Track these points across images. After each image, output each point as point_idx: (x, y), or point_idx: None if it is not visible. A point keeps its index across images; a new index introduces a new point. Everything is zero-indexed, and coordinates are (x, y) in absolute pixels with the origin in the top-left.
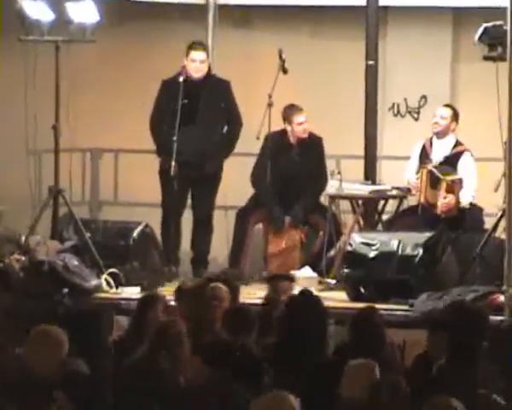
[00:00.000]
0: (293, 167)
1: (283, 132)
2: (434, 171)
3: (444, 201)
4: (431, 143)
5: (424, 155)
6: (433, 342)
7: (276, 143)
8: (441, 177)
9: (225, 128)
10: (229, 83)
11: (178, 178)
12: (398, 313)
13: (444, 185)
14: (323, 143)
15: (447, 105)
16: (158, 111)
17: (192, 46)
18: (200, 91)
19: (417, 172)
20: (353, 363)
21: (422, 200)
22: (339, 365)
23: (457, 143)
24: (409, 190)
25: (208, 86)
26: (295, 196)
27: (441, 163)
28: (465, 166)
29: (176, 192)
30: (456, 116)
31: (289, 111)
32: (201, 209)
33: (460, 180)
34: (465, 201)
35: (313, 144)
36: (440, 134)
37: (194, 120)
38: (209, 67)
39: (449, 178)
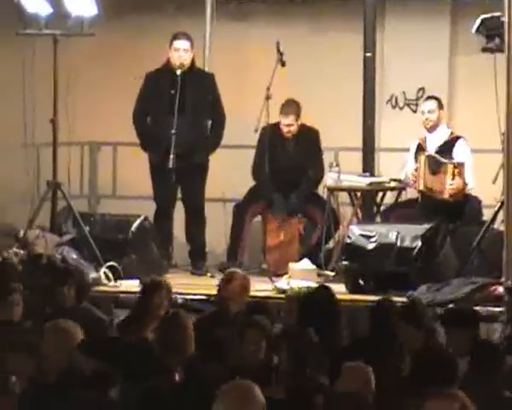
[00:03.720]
0: (289, 159)
1: (278, 124)
2: (436, 156)
3: (451, 183)
4: (425, 140)
5: (420, 151)
6: (452, 339)
7: (272, 136)
8: (446, 161)
9: (209, 122)
10: (214, 76)
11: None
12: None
13: (450, 169)
14: (319, 134)
15: (430, 97)
16: (141, 104)
17: (175, 36)
18: (187, 83)
19: (416, 170)
20: (349, 364)
21: (422, 187)
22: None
23: (451, 133)
24: (403, 187)
25: (194, 78)
26: (293, 187)
27: (437, 152)
28: (461, 153)
29: (170, 185)
30: (440, 104)
31: (281, 108)
32: (193, 201)
33: (463, 163)
34: (470, 185)
35: (307, 137)
36: (433, 127)
37: (181, 112)
38: (193, 60)
39: (454, 161)
